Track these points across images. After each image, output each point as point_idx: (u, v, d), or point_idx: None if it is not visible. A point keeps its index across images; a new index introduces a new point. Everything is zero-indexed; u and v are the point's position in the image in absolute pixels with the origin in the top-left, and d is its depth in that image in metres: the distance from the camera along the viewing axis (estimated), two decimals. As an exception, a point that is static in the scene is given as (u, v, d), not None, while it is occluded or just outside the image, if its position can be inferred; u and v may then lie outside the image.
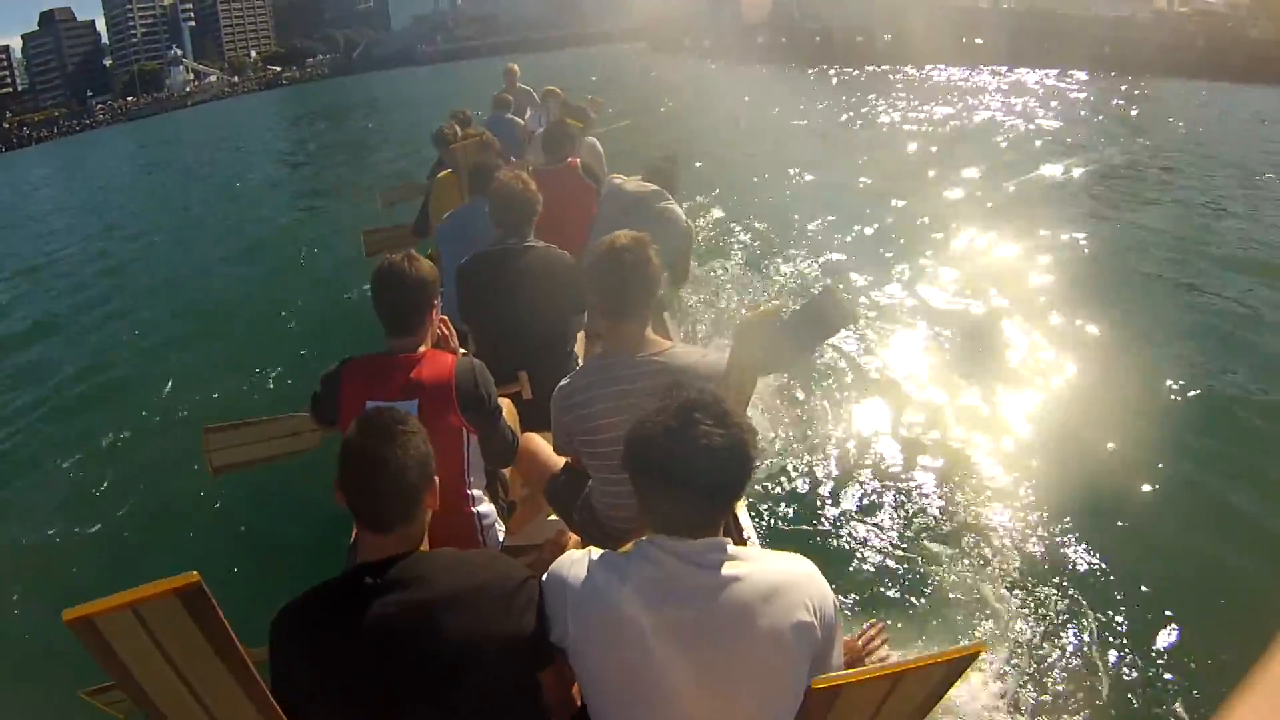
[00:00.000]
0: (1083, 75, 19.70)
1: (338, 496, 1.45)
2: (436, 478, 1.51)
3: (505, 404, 2.72)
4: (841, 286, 6.34)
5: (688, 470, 1.31)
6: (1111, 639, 2.93)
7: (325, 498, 1.53)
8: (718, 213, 8.71)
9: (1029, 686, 2.75)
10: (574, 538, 2.37)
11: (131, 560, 4.02)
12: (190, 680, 1.20)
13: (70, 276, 11.07)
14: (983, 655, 2.80)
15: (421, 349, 2.21)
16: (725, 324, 5.63)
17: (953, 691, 2.60)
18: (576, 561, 1.44)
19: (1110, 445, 4.06)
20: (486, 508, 2.26)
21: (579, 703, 1.58)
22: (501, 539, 2.35)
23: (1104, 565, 3.30)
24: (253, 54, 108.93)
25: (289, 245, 10.32)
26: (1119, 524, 3.54)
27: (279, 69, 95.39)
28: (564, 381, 2.21)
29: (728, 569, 1.32)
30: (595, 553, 1.45)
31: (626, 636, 1.32)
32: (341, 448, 1.47)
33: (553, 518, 2.70)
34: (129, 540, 4.24)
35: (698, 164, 10.43)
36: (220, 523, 4.17)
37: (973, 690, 2.71)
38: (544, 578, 1.48)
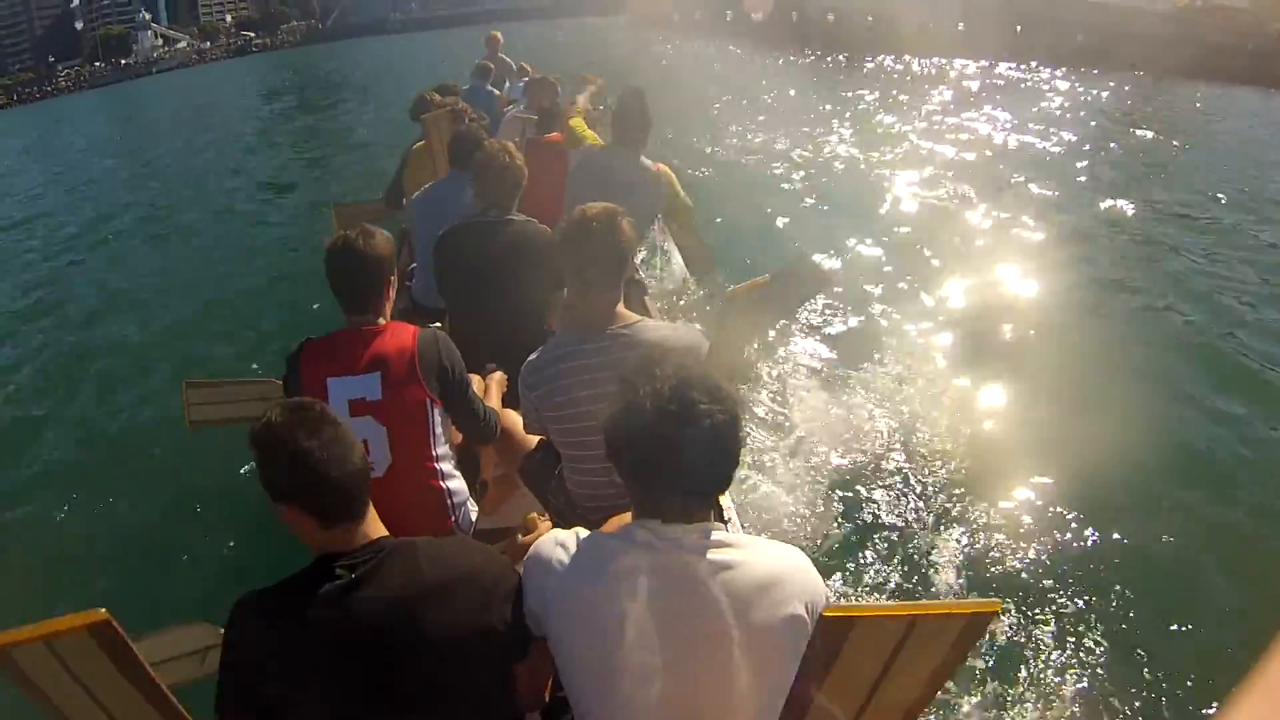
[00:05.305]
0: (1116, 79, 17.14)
1: None
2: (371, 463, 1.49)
3: (495, 379, 2.69)
4: (814, 256, 6.23)
5: (691, 455, 1.23)
6: (1112, 638, 2.91)
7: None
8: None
9: (1027, 685, 2.71)
10: (546, 522, 2.32)
11: (104, 527, 3.99)
12: (111, 710, 1.22)
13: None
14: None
15: (381, 321, 2.18)
16: (698, 302, 5.25)
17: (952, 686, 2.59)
18: (560, 544, 1.37)
19: (1114, 444, 3.92)
20: (457, 484, 2.23)
21: (548, 698, 1.54)
22: (474, 518, 2.31)
23: (1105, 564, 3.27)
24: (228, 18, 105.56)
25: (260, 224, 10.25)
26: (1121, 523, 3.50)
27: (251, 35, 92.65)
28: (532, 356, 2.14)
29: (723, 557, 1.27)
30: (582, 534, 1.38)
31: (613, 625, 1.26)
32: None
33: (529, 498, 2.64)
34: (100, 505, 4.17)
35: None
36: (194, 484, 4.13)
37: (971, 683, 2.69)
38: (524, 561, 1.42)
